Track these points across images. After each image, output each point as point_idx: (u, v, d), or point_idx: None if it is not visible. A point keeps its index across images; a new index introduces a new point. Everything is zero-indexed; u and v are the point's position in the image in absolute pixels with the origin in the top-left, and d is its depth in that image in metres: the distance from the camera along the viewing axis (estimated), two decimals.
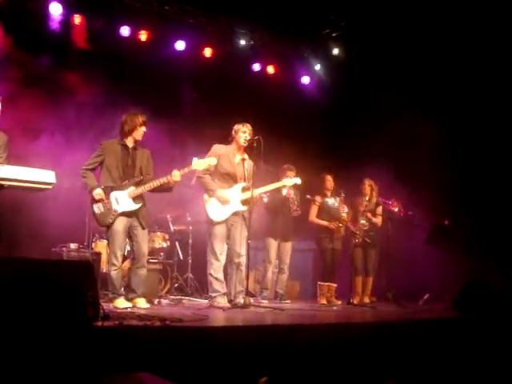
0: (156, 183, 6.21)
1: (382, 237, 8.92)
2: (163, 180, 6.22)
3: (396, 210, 8.86)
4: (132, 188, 6.19)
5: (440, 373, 4.73)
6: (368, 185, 8.92)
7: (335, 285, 8.52)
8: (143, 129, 6.28)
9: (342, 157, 9.96)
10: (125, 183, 6.20)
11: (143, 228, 6.27)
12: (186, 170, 6.31)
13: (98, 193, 6.12)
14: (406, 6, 9.22)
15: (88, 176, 6.23)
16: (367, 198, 8.89)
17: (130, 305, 6.00)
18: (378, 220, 8.90)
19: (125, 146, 6.29)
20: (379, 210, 8.94)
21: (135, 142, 6.33)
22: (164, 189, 6.36)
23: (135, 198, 6.19)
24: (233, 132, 6.89)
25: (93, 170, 6.27)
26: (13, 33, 8.28)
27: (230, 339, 4.13)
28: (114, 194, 6.16)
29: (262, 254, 8.79)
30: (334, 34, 10.91)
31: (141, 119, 6.26)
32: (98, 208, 6.17)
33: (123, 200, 6.16)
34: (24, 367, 3.25)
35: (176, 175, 6.20)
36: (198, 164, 6.37)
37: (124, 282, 6.41)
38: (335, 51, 11.10)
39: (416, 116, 9.42)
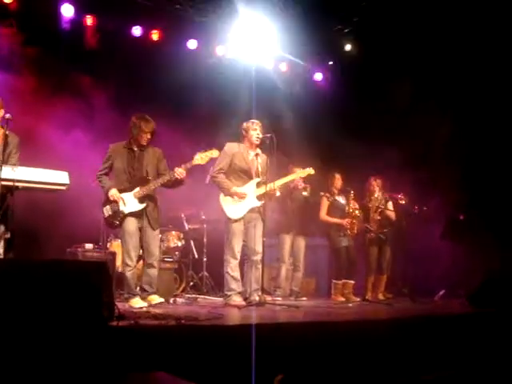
0: (159, 182, 6.27)
1: (396, 233, 8.87)
2: (166, 178, 6.26)
3: (403, 202, 8.77)
4: (137, 189, 6.25)
5: (457, 369, 4.70)
6: (375, 183, 8.87)
7: (352, 282, 8.48)
8: (148, 136, 6.32)
9: (354, 154, 9.90)
10: (131, 184, 6.27)
11: (152, 229, 6.32)
12: (188, 165, 6.29)
13: (113, 193, 6.22)
14: None
15: (103, 179, 6.36)
16: (376, 195, 8.81)
17: (145, 304, 6.03)
18: (392, 214, 8.85)
19: (131, 150, 6.36)
20: (390, 205, 8.89)
21: (140, 146, 6.37)
22: (174, 184, 6.39)
23: (141, 198, 6.25)
24: (243, 131, 6.88)
25: (106, 174, 6.39)
26: (25, 33, 8.32)
27: (245, 337, 4.12)
28: (122, 196, 6.25)
29: (275, 251, 8.78)
30: (345, 30, 10.85)
31: (148, 126, 6.28)
32: (106, 211, 6.32)
33: (129, 201, 6.24)
34: (40, 367, 3.27)
35: (179, 172, 6.21)
36: (200, 159, 6.32)
37: (139, 282, 6.44)
38: (347, 47, 11.06)
39: (430, 109, 9.36)
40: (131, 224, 6.22)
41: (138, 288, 6.35)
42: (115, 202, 6.23)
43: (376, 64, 10.38)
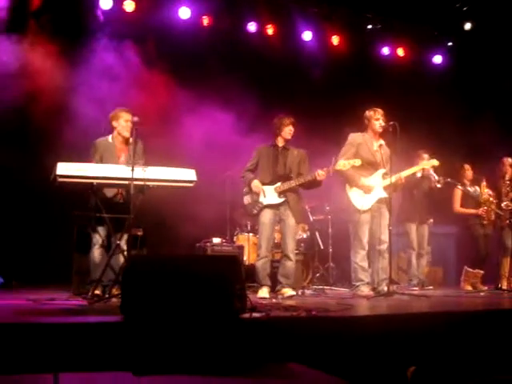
0: (301, 180, 6.51)
1: None
2: (307, 177, 6.49)
3: None
4: (278, 183, 6.52)
5: None
6: (508, 164, 8.50)
7: (482, 271, 8.23)
8: (290, 128, 6.61)
9: (482, 137, 9.51)
10: (273, 179, 6.56)
11: (294, 220, 6.54)
12: (331, 169, 6.43)
13: (256, 184, 6.58)
14: None
15: (246, 174, 6.75)
16: (507, 178, 8.46)
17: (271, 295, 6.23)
18: None
19: (275, 147, 6.68)
20: None
21: (285, 141, 6.66)
22: (312, 185, 6.63)
23: (280, 193, 6.50)
24: (365, 120, 6.85)
25: (251, 171, 6.74)
26: (152, 40, 8.68)
27: (375, 328, 4.11)
28: (263, 188, 6.55)
29: (402, 240, 8.63)
30: (464, 8, 10.43)
31: (288, 120, 6.60)
32: (247, 199, 6.70)
33: (269, 194, 6.53)
34: (179, 357, 3.42)
35: (321, 174, 6.38)
36: (342, 165, 6.43)
37: (267, 273, 6.56)
38: (467, 26, 10.64)
39: None
40: (267, 216, 6.51)
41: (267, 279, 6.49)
42: (256, 192, 6.58)
43: (499, 41, 9.94)
